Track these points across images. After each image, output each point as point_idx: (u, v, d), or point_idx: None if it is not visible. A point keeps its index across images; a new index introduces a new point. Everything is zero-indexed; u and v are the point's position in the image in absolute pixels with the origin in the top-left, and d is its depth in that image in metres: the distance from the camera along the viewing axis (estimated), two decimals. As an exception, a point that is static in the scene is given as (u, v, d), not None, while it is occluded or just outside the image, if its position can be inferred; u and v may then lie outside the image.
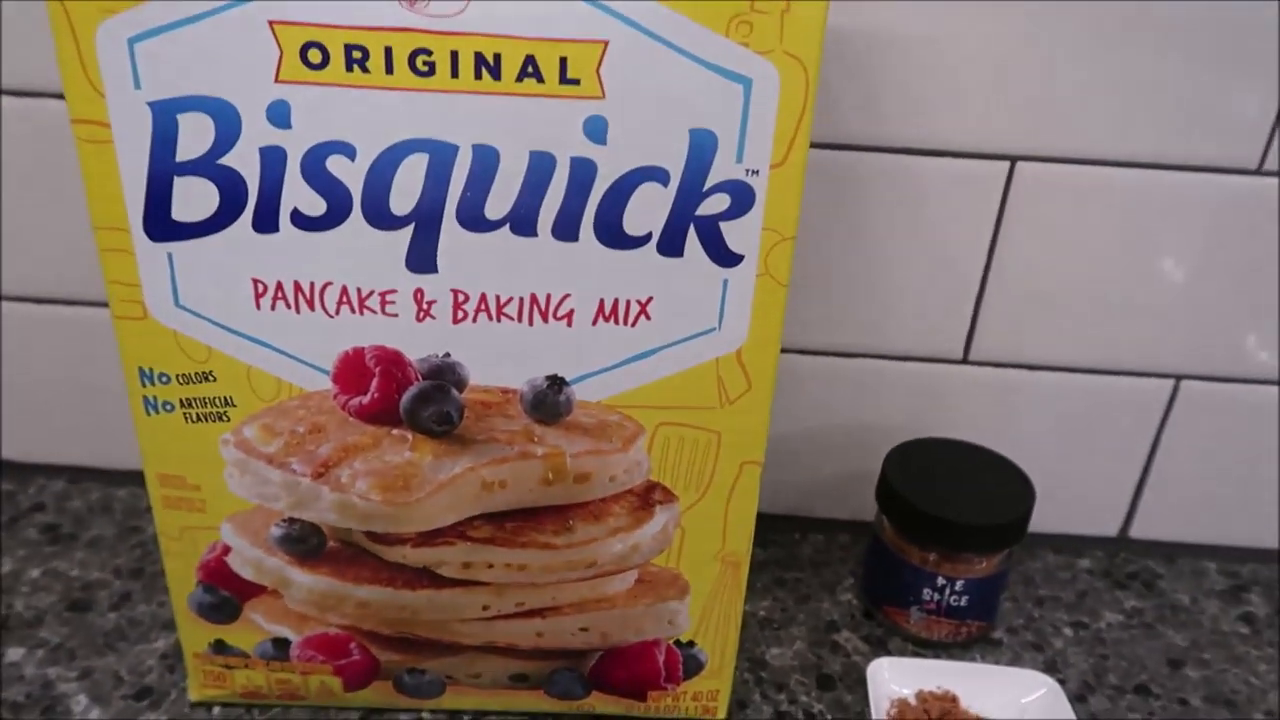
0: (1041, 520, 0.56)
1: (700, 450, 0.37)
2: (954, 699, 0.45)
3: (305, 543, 0.39)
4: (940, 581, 0.47)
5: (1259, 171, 0.47)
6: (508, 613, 0.41)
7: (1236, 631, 0.51)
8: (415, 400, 0.36)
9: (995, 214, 0.48)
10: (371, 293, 0.34)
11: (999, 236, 0.49)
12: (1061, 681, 0.47)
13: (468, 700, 0.43)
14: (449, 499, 0.38)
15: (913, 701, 0.45)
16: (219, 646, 0.42)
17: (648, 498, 0.39)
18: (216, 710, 0.44)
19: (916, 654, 0.49)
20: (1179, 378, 0.52)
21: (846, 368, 0.52)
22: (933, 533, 0.46)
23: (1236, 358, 0.51)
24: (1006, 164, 0.47)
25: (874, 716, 0.44)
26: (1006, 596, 0.52)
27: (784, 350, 0.52)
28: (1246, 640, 0.51)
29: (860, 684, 0.46)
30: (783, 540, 0.56)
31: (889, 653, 0.49)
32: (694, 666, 0.43)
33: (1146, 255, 0.49)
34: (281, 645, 0.42)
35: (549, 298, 0.34)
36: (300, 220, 0.33)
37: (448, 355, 0.35)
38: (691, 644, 0.42)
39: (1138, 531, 0.56)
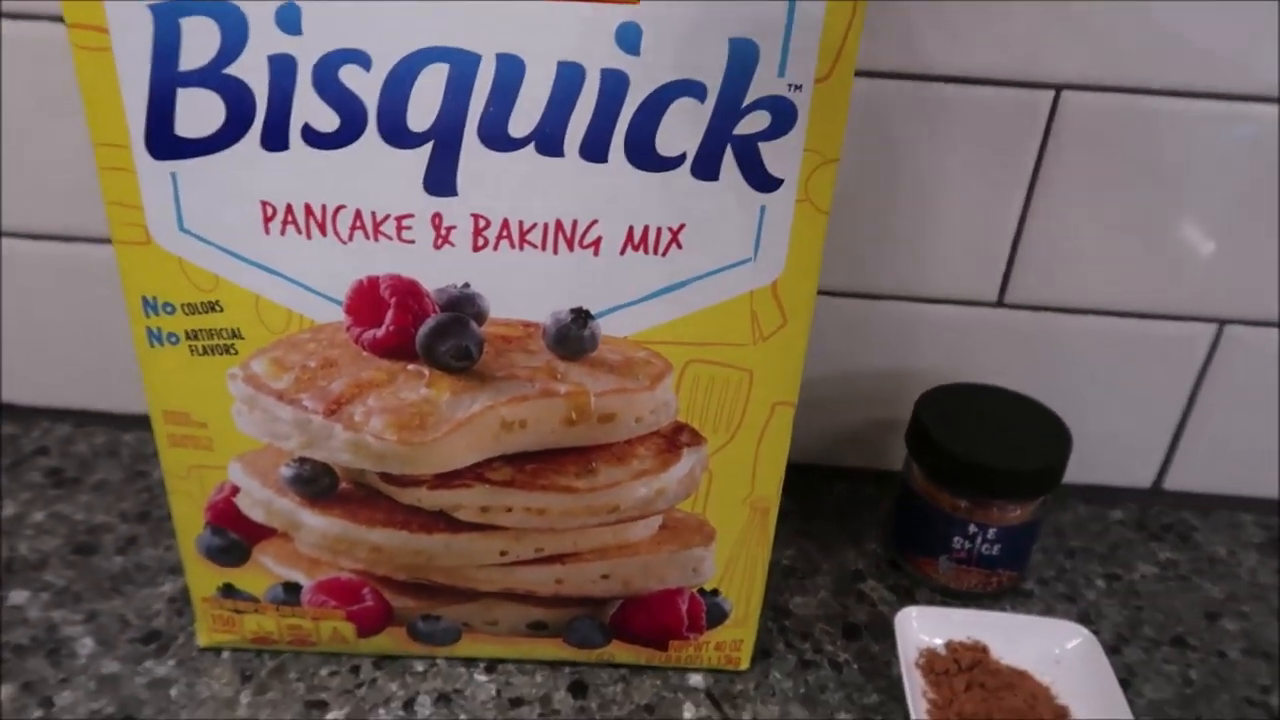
0: (1073, 471, 0.54)
1: (731, 390, 0.36)
2: (985, 649, 0.44)
3: (317, 483, 0.38)
4: (972, 529, 0.46)
5: (1318, 103, 0.44)
6: (527, 559, 0.39)
7: (1276, 584, 0.50)
8: (432, 334, 0.34)
9: (1037, 148, 0.46)
10: (387, 217, 0.32)
11: (1040, 172, 0.47)
12: (1095, 633, 0.46)
13: (484, 648, 0.42)
14: (467, 439, 0.36)
15: (942, 651, 0.44)
16: (228, 591, 0.41)
17: (675, 439, 0.37)
18: (225, 655, 0.43)
19: (945, 604, 0.47)
20: (1223, 322, 0.50)
21: (876, 311, 0.50)
22: (965, 479, 0.45)
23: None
24: (1051, 93, 0.45)
25: (902, 665, 0.42)
26: (1036, 548, 0.51)
27: (812, 291, 0.50)
28: (1285, 593, 0.49)
29: (886, 634, 0.45)
30: (808, 489, 0.54)
31: (916, 603, 0.47)
32: (718, 616, 0.41)
33: (1192, 193, 0.47)
34: (293, 590, 0.40)
35: (575, 224, 0.32)
36: (312, 136, 0.31)
37: (467, 286, 0.34)
38: (716, 592, 0.41)
39: (1172, 483, 0.55)
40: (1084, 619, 0.47)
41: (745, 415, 0.36)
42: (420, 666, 0.43)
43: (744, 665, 0.43)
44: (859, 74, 0.45)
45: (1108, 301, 0.50)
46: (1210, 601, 0.48)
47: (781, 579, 0.48)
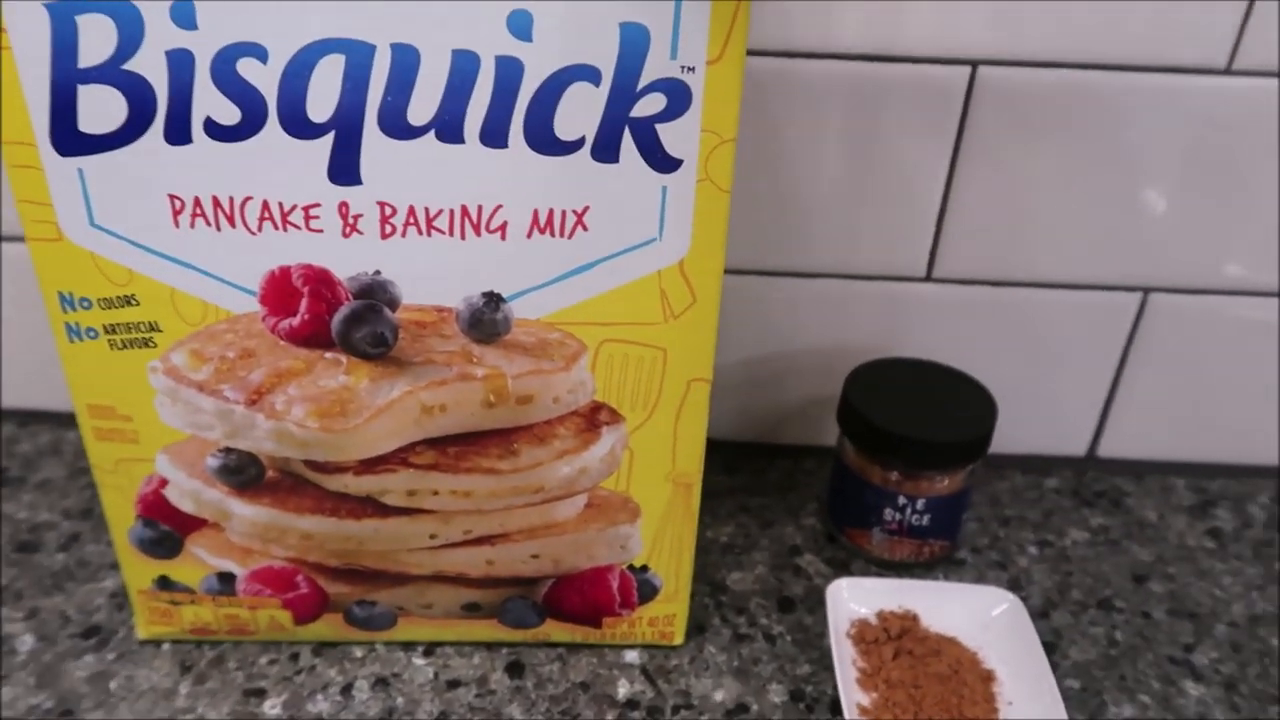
0: (1009, 441, 0.55)
1: (646, 368, 0.36)
2: (915, 617, 0.45)
3: (243, 473, 0.38)
4: (901, 501, 0.47)
5: (1227, 71, 0.45)
6: (456, 541, 0.40)
7: (1203, 546, 0.51)
8: (347, 321, 0.35)
9: (957, 123, 0.47)
10: (294, 207, 0.33)
11: (960, 148, 0.47)
12: (1024, 598, 0.47)
13: (421, 631, 0.43)
14: (388, 424, 0.36)
15: (873, 621, 0.45)
16: (163, 583, 0.41)
17: (594, 419, 0.37)
18: (165, 647, 0.43)
19: (879, 575, 0.48)
20: (1147, 290, 0.51)
21: (808, 289, 0.51)
22: (892, 450, 0.46)
23: (1205, 269, 0.50)
24: (968, 69, 0.45)
25: (832, 636, 0.43)
26: (971, 517, 0.52)
27: (742, 272, 0.51)
28: (1213, 554, 0.50)
29: (821, 606, 0.46)
30: (748, 467, 0.55)
31: (851, 575, 0.48)
32: (649, 591, 0.42)
33: (1113, 164, 0.48)
34: (227, 580, 0.41)
35: (480, 209, 0.33)
36: (214, 130, 0.31)
37: (378, 273, 0.34)
38: (645, 568, 0.41)
39: (1106, 450, 0.56)
40: (1014, 585, 0.48)
41: (662, 393, 0.37)
42: (359, 652, 0.43)
43: (678, 640, 0.44)
44: (781, 54, 0.45)
45: (1035, 274, 0.50)
46: (1138, 564, 0.49)
47: (719, 555, 0.49)
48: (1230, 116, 0.46)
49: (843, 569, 0.49)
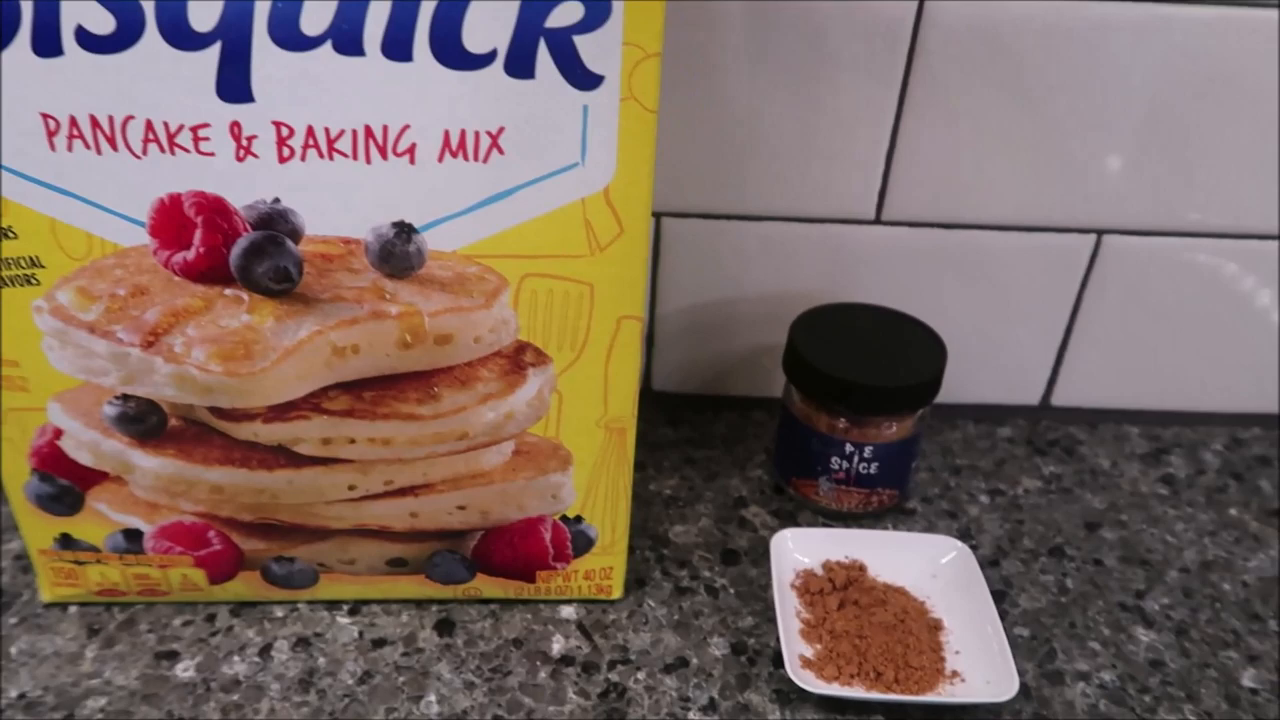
0: (962, 391, 0.54)
1: (572, 304, 0.34)
2: (862, 567, 0.44)
3: (143, 422, 0.36)
4: (848, 449, 0.45)
5: (1186, 1, 0.43)
6: (376, 492, 0.38)
7: (1156, 493, 0.50)
8: (246, 254, 0.32)
9: (904, 61, 0.45)
10: (181, 128, 0.30)
11: (909, 85, 0.45)
12: (974, 548, 0.45)
13: (345, 589, 0.41)
14: (297, 367, 0.34)
15: (818, 572, 0.43)
16: (65, 541, 0.39)
17: (518, 360, 0.35)
18: (72, 610, 0.41)
19: (826, 526, 0.47)
20: (1101, 233, 0.49)
21: (753, 232, 0.49)
22: (838, 397, 0.44)
23: (1160, 212, 0.49)
24: (914, 4, 0.43)
25: (775, 587, 0.42)
26: (923, 467, 0.51)
27: (683, 215, 0.49)
28: (1165, 501, 0.49)
29: (766, 559, 0.44)
30: (694, 420, 0.54)
31: (798, 526, 0.46)
32: (584, 543, 0.40)
33: (1066, 103, 0.46)
34: (134, 537, 0.38)
35: (386, 130, 0.30)
36: (87, 40, 0.29)
37: (277, 201, 0.32)
38: (579, 519, 0.39)
39: (1060, 399, 0.55)
40: (964, 535, 0.47)
41: (590, 331, 0.35)
42: (280, 612, 0.41)
43: (616, 594, 0.42)
44: (717, -19, 0.43)
45: (986, 216, 0.49)
46: (1090, 512, 0.48)
47: (662, 508, 0.48)
48: (1184, 55, 0.44)
49: (789, 520, 0.47)
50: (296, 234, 0.32)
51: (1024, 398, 0.55)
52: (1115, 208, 0.48)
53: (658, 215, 0.49)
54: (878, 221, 0.49)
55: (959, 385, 0.53)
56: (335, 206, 0.32)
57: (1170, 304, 0.51)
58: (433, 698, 0.38)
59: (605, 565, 0.41)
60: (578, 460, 0.38)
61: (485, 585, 0.41)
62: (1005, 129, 0.46)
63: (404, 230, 0.32)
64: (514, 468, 0.38)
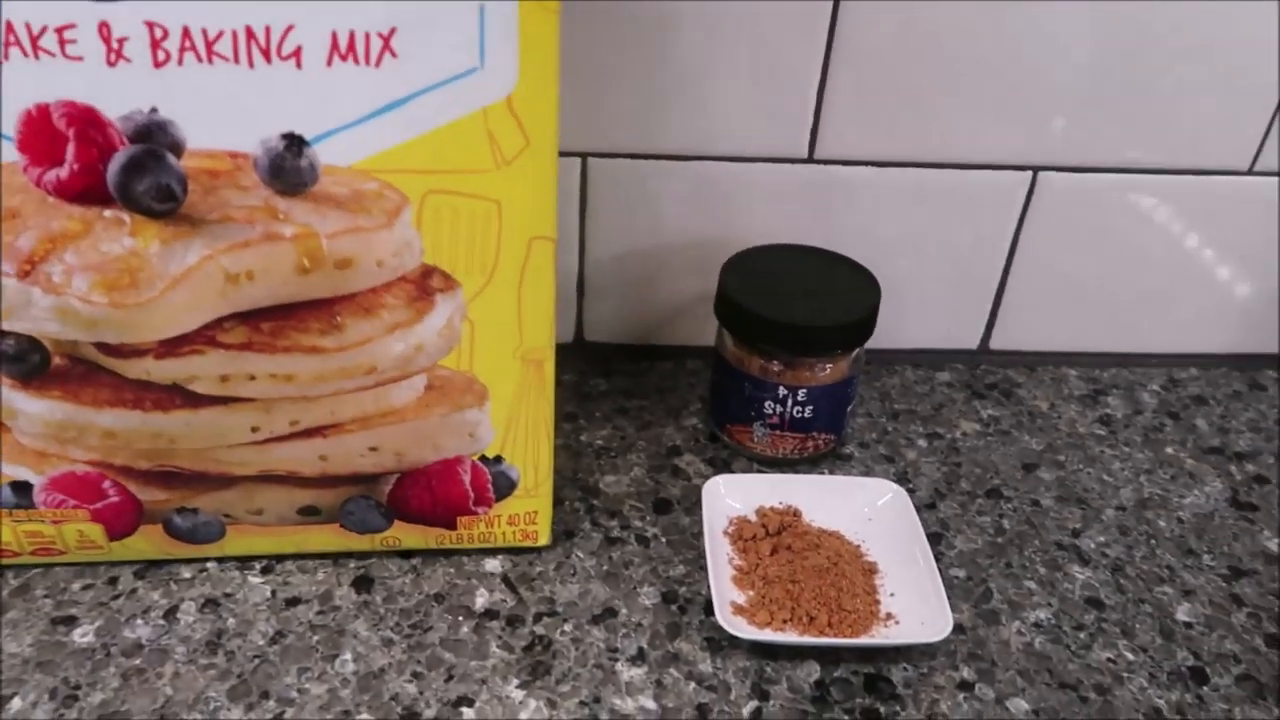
0: (900, 335, 0.53)
1: (479, 224, 0.32)
2: (796, 513, 0.42)
3: (24, 361, 0.33)
4: (782, 392, 0.44)
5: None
6: (282, 434, 0.35)
7: (1093, 433, 0.49)
8: (125, 170, 0.30)
9: (834, -14, 0.43)
10: (45, 29, 0.28)
11: (839, 15, 0.44)
12: (911, 491, 0.44)
13: (256, 542, 0.39)
14: (188, 296, 0.32)
15: (752, 518, 0.42)
16: (-55, 495, 0.36)
17: (425, 285, 0.33)
18: (-43, 571, 0.38)
19: (761, 472, 0.46)
20: (1037, 170, 0.48)
21: (683, 173, 0.48)
22: (770, 338, 0.43)
23: (1096, 148, 0.48)
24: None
25: (706, 534, 0.40)
26: (861, 413, 0.49)
27: (611, 155, 0.47)
28: (1102, 441, 0.49)
29: (699, 506, 0.43)
30: (628, 370, 0.52)
31: (733, 474, 0.45)
32: (505, 485, 0.38)
33: (1002, 36, 0.45)
34: (23, 490, 0.36)
35: (269, 31, 0.28)
36: (-68, -71, 0.26)
37: (155, 111, 0.29)
38: (499, 459, 0.38)
39: (998, 342, 0.54)
40: (901, 478, 0.46)
41: (500, 253, 0.33)
42: (188, 573, 0.39)
43: (543, 540, 0.40)
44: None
45: (921, 153, 0.48)
46: (1028, 454, 0.48)
47: (593, 459, 0.46)
48: (1117, -23, 0.44)
49: (724, 468, 0.46)
50: (178, 147, 0.30)
51: (963, 342, 0.54)
52: (1052, 145, 0.48)
53: (583, 156, 0.47)
54: (810, 160, 0.48)
55: (897, 330, 0.52)
56: (218, 117, 0.30)
57: (1108, 244, 0.51)
58: (348, 656, 0.36)
59: (529, 509, 0.39)
60: (494, 395, 0.36)
61: (404, 534, 0.39)
62: (938, 64, 0.45)
63: (294, 143, 0.30)
64: (427, 404, 0.36)
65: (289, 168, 0.30)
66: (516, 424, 0.37)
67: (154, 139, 0.30)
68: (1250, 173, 0.49)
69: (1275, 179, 0.49)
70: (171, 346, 0.33)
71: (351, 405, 0.35)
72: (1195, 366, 0.54)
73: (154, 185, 0.30)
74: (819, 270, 0.46)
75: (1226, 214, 0.50)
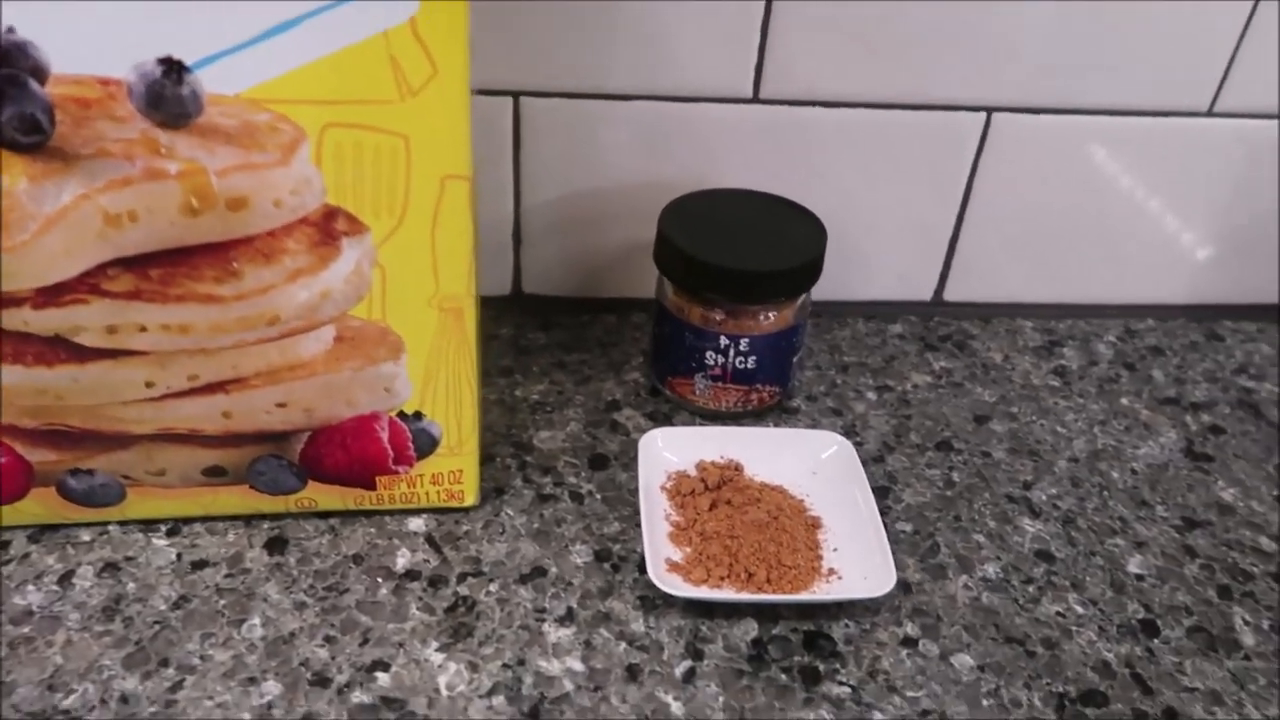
0: (852, 287, 0.51)
1: (385, 161, 0.30)
2: (738, 467, 0.41)
3: (-112, 310, 0.30)
4: (724, 342, 0.42)
5: None
6: (180, 390, 0.33)
7: (1047, 385, 0.48)
8: (-17, 98, 0.27)
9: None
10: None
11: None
12: (859, 444, 0.43)
13: (159, 505, 0.36)
14: (64, 239, 0.29)
15: (691, 473, 0.40)
16: None
17: (329, 228, 0.31)
18: None
19: (704, 425, 0.44)
20: (991, 110, 0.46)
21: (622, 114, 0.45)
22: (711, 284, 0.41)
23: (1053, 87, 0.46)
24: None
25: (642, 490, 0.38)
26: (809, 366, 0.48)
27: (545, 95, 0.44)
28: (1056, 392, 0.47)
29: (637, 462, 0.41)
30: (567, 323, 0.50)
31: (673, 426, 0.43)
32: (427, 443, 0.36)
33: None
34: (-99, 451, 0.33)
35: (136, -62, 0.26)
36: None
37: (11, 30, 0.26)
38: (419, 415, 0.36)
39: (952, 294, 0.52)
40: (849, 431, 0.44)
41: (410, 193, 0.31)
42: (87, 536, 0.37)
43: (469, 500, 0.38)
44: None
45: (871, 93, 0.46)
46: (980, 405, 0.46)
47: (528, 414, 0.44)
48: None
49: (665, 423, 0.44)
50: (40, 72, 0.27)
51: (916, 293, 0.52)
52: (1006, 84, 0.46)
53: (515, 95, 0.44)
54: (755, 100, 0.45)
55: (848, 282, 0.51)
56: (84, 37, 0.27)
57: (1064, 190, 0.49)
58: (256, 620, 0.34)
59: (454, 468, 0.37)
60: (410, 347, 0.34)
61: (320, 495, 0.37)
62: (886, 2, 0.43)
63: (173, 68, 0.27)
64: (337, 357, 0.33)
65: (169, 96, 0.28)
66: (436, 378, 0.35)
67: (12, 62, 0.27)
68: (1210, 114, 0.47)
69: (1236, 121, 0.48)
70: (51, 295, 0.30)
71: (255, 358, 0.33)
72: (1152, 318, 0.53)
73: (16, 115, 0.27)
74: (763, 215, 0.43)
75: (1185, 158, 0.48)
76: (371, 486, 0.37)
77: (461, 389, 0.35)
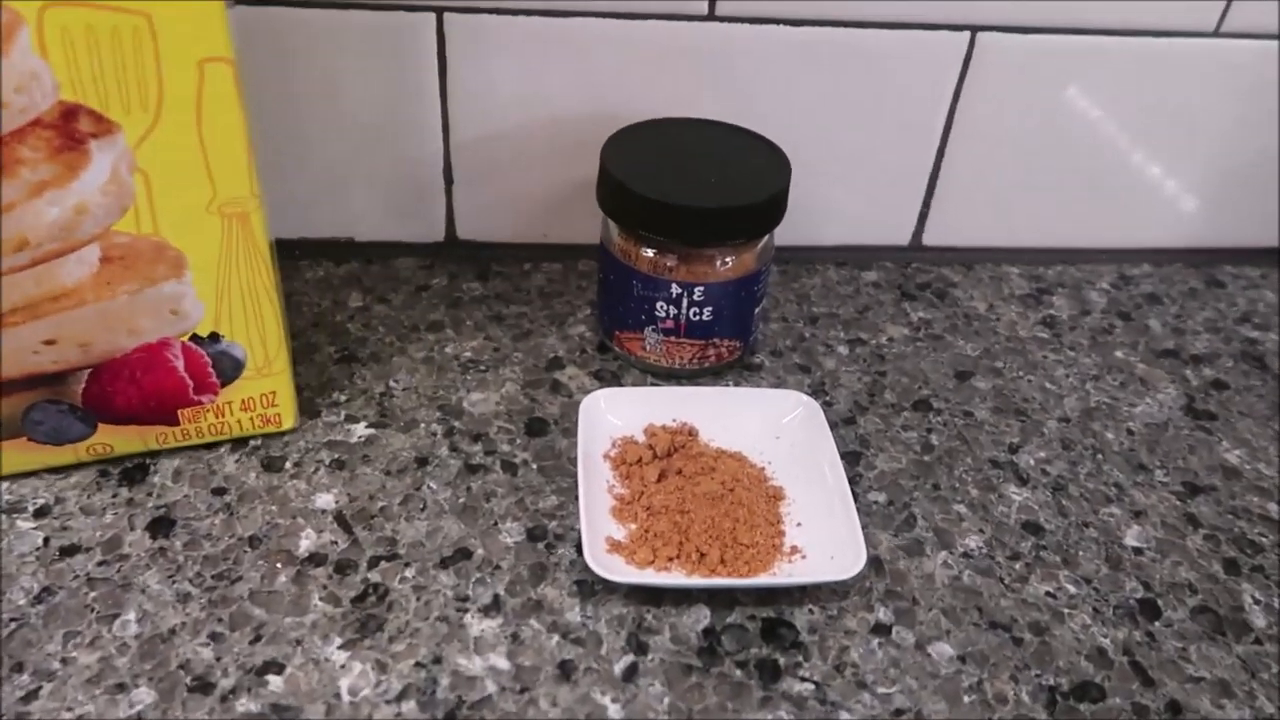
0: (822, 231, 0.46)
1: (127, 45, 0.25)
2: (691, 432, 0.36)
3: None
4: (675, 291, 0.37)
5: None
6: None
7: (1035, 337, 0.43)
8: None
9: None
10: None
11: None
12: (828, 404, 0.38)
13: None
14: None
15: (639, 439, 0.36)
16: None
17: (70, 130, 0.26)
18: None
19: (655, 385, 0.39)
20: (975, 29, 0.41)
21: (561, 32, 0.40)
22: (659, 225, 0.36)
23: (1042, 4, 0.41)
24: None
25: (580, 459, 0.34)
26: (775, 318, 0.43)
27: (472, 10, 0.39)
28: (1045, 345, 0.43)
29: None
30: (509, 272, 0.45)
31: (622, 386, 0.39)
32: (230, 366, 0.32)
33: None
34: None
35: None
36: None
37: None
38: (216, 337, 0.31)
39: (932, 238, 0.48)
40: (817, 390, 0.39)
41: (164, 82, 0.26)
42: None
43: (288, 423, 0.35)
44: None
45: (842, 9, 0.40)
46: (962, 360, 0.42)
47: (458, 374, 0.39)
48: None
49: (612, 382, 0.39)
50: None
51: (892, 238, 0.47)
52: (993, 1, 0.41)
53: (438, 10, 0.39)
54: (711, 17, 0.40)
55: (817, 224, 0.46)
56: None
57: (1053, 122, 0.44)
58: (131, 616, 0.30)
59: (266, 391, 0.33)
60: (194, 261, 0.29)
61: (115, 438, 0.32)
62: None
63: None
64: (108, 280, 0.29)
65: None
66: (229, 293, 0.30)
67: None
68: (1216, 34, 0.43)
69: (1243, 42, 0.43)
70: None
71: (10, 291, 0.28)
72: (1148, 263, 0.49)
73: None
74: (720, 147, 0.39)
75: (1188, 84, 0.44)
76: (174, 422, 0.32)
77: (261, 303, 0.31)
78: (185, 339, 0.31)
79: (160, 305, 0.29)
